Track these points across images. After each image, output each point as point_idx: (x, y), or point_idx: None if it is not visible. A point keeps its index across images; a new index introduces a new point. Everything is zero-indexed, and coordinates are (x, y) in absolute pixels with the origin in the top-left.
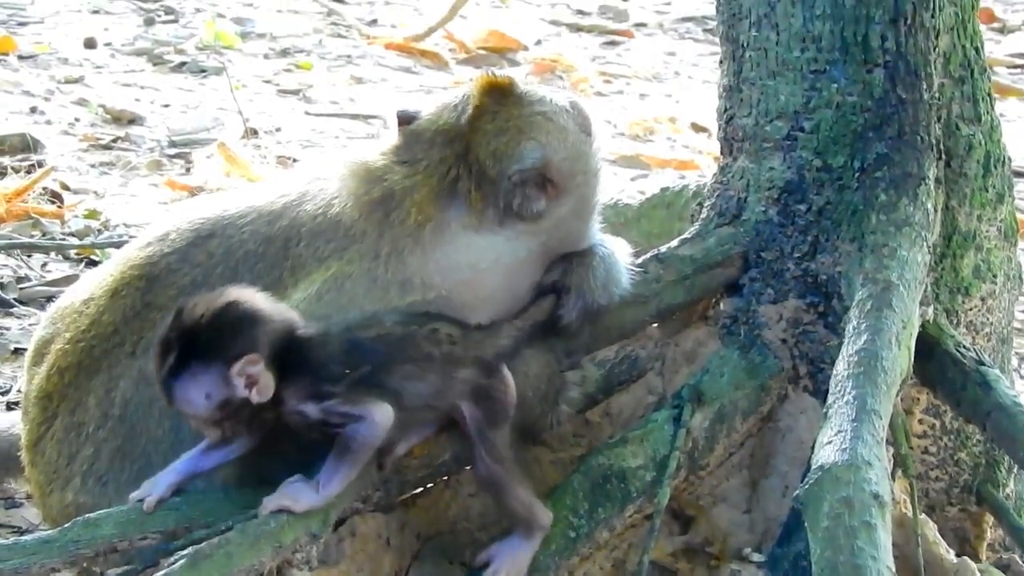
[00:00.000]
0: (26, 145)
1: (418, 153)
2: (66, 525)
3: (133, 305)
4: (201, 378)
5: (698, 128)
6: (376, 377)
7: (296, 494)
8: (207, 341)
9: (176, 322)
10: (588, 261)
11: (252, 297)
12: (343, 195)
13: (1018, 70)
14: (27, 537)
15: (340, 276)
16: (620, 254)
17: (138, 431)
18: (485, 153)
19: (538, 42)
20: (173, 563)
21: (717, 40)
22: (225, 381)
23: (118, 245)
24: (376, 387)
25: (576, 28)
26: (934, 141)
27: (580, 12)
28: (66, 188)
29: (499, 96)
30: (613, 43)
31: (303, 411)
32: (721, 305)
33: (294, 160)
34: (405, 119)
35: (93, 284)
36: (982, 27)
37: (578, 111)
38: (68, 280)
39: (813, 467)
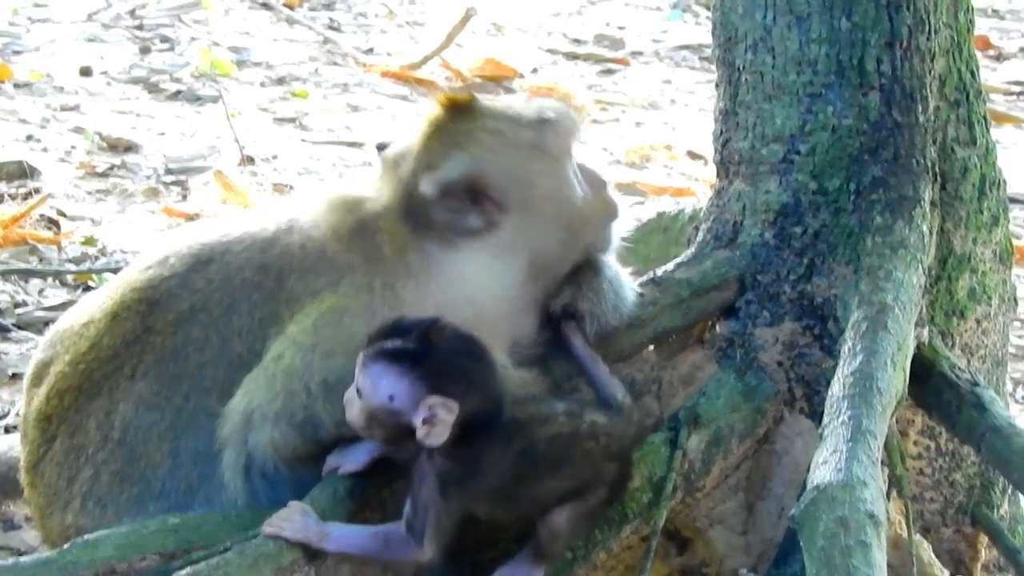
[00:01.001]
0: (23, 172)
1: (385, 179)
2: (65, 547)
3: (133, 328)
4: (399, 382)
5: (694, 156)
6: (529, 485)
7: (300, 526)
8: (434, 359)
9: (428, 325)
10: (597, 284)
11: (496, 363)
12: (324, 227)
13: (1014, 97)
14: (26, 559)
15: (336, 310)
16: (625, 274)
17: (137, 455)
18: (418, 168)
19: (534, 70)
20: None
21: (713, 67)
22: (414, 402)
23: (115, 271)
24: (516, 498)
25: (572, 56)
26: (930, 164)
27: (576, 40)
28: (63, 215)
29: (457, 113)
30: (609, 71)
31: (424, 481)
32: (717, 328)
33: (291, 188)
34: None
35: (93, 306)
36: (979, 54)
37: (548, 127)
38: (65, 306)
39: (809, 487)
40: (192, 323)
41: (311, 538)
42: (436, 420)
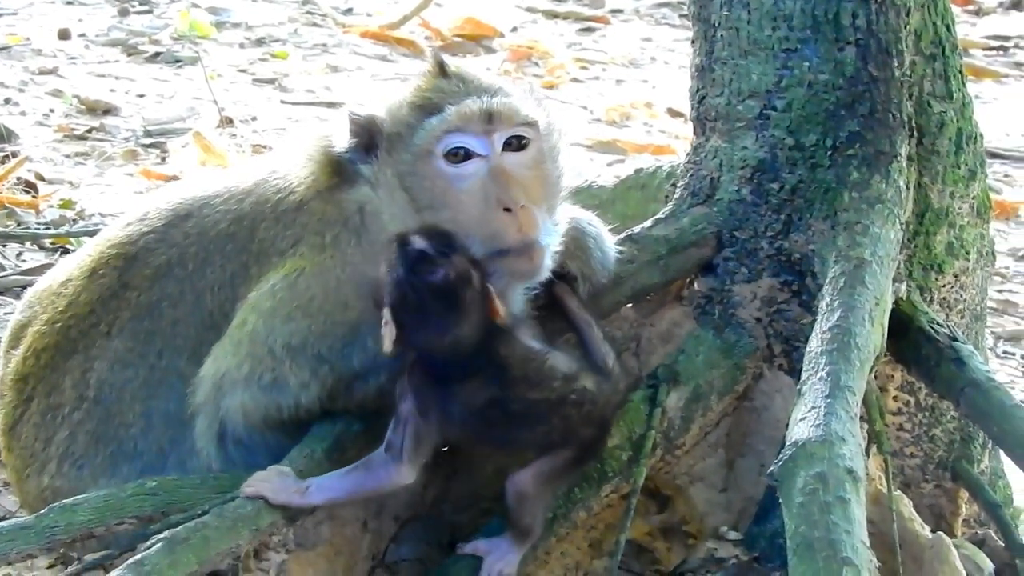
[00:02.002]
0: (0, 136)
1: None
2: (43, 511)
3: (111, 285)
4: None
5: (674, 113)
6: (499, 431)
7: (279, 488)
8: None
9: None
10: (583, 243)
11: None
12: (298, 178)
13: (993, 52)
14: (3, 523)
15: (292, 274)
16: (606, 231)
17: (112, 413)
18: None
19: (514, 29)
20: (149, 547)
21: (691, 22)
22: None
23: (93, 234)
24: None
25: (552, 15)
26: (906, 119)
27: None
28: (41, 178)
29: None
30: (589, 29)
31: (404, 396)
32: (695, 285)
33: (270, 149)
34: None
35: (72, 266)
36: (958, 10)
37: (437, 99)
38: (43, 269)
39: (787, 444)
40: (168, 278)
41: (293, 498)
42: (383, 327)
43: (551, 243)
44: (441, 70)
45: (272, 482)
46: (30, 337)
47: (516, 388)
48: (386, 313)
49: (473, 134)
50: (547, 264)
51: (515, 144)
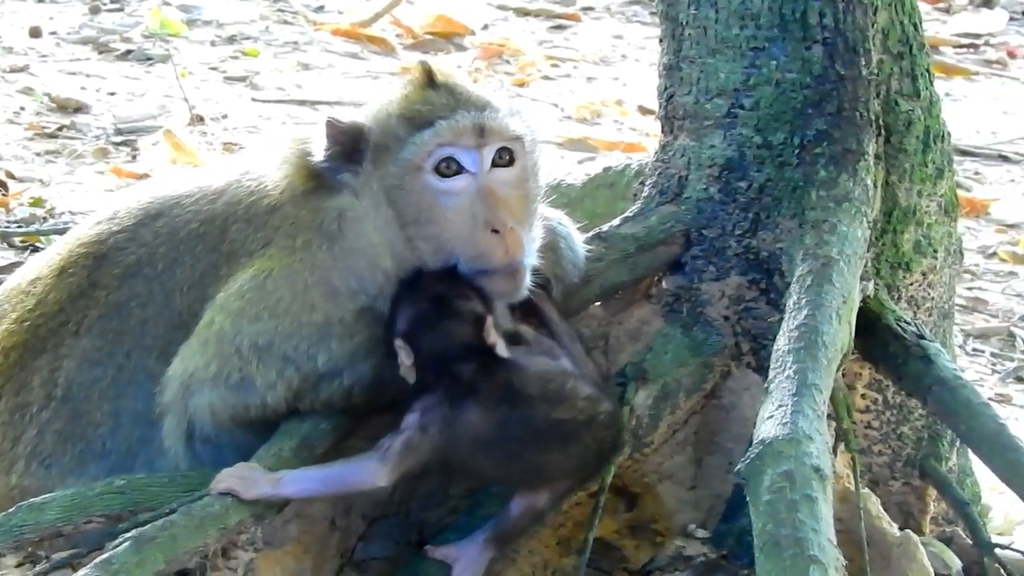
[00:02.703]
0: None
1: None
2: (11, 510)
3: (80, 284)
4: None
5: (645, 111)
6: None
7: (251, 482)
8: (398, 306)
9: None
10: (554, 244)
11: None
12: (272, 180)
13: (963, 50)
14: None
15: (260, 274)
16: (575, 230)
17: (80, 412)
18: None
19: (485, 27)
20: (118, 546)
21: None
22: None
23: (63, 232)
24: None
25: (523, 12)
26: (873, 117)
27: None
28: (11, 176)
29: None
30: (560, 27)
31: (410, 410)
32: (664, 283)
33: (241, 147)
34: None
35: (41, 264)
36: (928, 7)
37: (427, 112)
38: (13, 267)
39: (754, 441)
40: (137, 277)
41: (265, 490)
42: (401, 358)
43: (532, 261)
44: (430, 80)
45: (243, 478)
46: None
47: (536, 408)
48: (399, 341)
49: (464, 149)
50: (528, 283)
51: (504, 160)
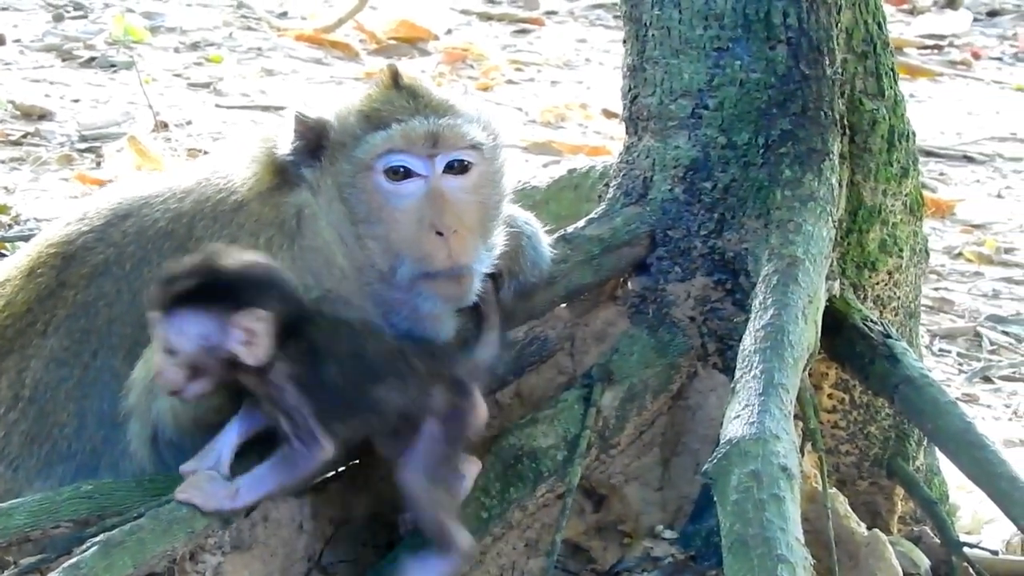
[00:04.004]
0: None
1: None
2: None
3: (48, 284)
4: (202, 318)
5: (609, 114)
6: (365, 391)
7: (210, 494)
8: (224, 285)
9: (198, 262)
10: (516, 242)
11: (275, 265)
12: (240, 180)
13: (928, 51)
14: None
15: None
16: (542, 232)
17: (46, 412)
18: None
19: (448, 31)
20: (85, 551)
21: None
22: (224, 329)
23: (28, 239)
24: (357, 404)
25: (486, 17)
26: (838, 116)
27: (490, 1)
28: None
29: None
30: (524, 31)
31: (283, 391)
32: (629, 284)
33: (205, 153)
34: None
35: (10, 266)
36: (892, 8)
37: (386, 113)
38: None
39: (721, 442)
40: (105, 276)
41: (224, 503)
42: (253, 335)
43: (482, 268)
44: (395, 82)
45: (203, 489)
46: None
47: (363, 336)
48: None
49: (415, 155)
50: (475, 288)
51: (457, 167)
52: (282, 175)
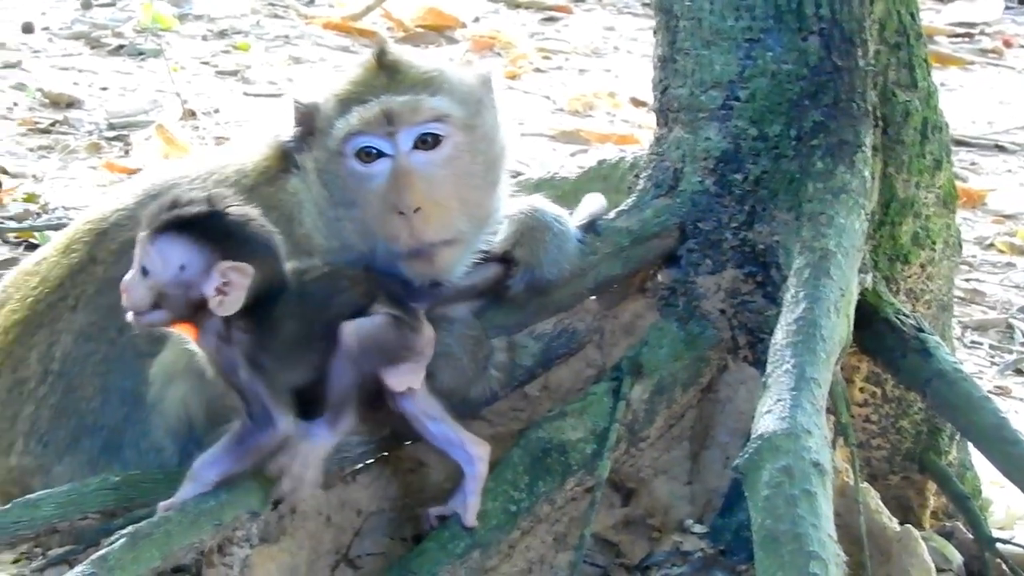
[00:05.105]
0: None
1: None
2: (6, 507)
3: (80, 259)
4: (190, 250)
5: (638, 103)
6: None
7: (180, 492)
8: (221, 229)
9: (208, 198)
10: (540, 235)
11: (276, 234)
12: (254, 166)
13: (959, 39)
14: None
15: None
16: (573, 229)
17: (73, 387)
18: None
19: (476, 19)
20: (113, 542)
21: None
22: (206, 269)
23: (57, 228)
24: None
25: (514, 4)
26: (870, 108)
27: None
28: (4, 172)
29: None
30: (552, 19)
31: (236, 366)
32: (659, 277)
33: (232, 141)
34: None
35: (50, 246)
36: None
37: (355, 95)
38: (7, 263)
39: (753, 436)
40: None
41: (187, 491)
42: (230, 286)
43: (470, 240)
44: (378, 60)
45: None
46: (1, 317)
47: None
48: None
49: (375, 135)
50: (454, 264)
51: (429, 141)
52: (287, 160)
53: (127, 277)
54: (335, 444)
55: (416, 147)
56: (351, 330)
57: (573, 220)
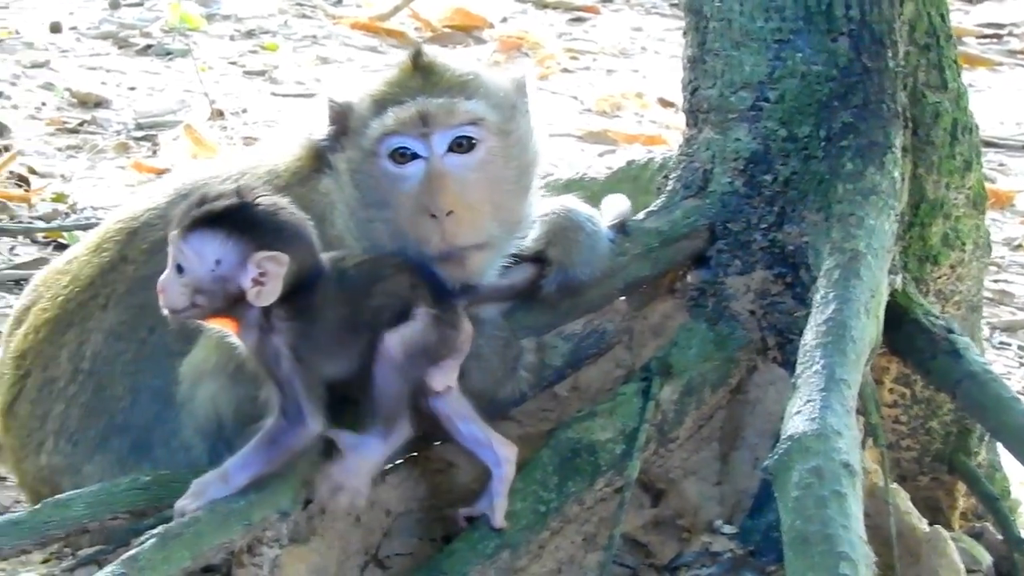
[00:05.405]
0: None
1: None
2: (36, 507)
3: (111, 258)
4: (223, 244)
5: (665, 103)
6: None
7: (204, 490)
8: (252, 220)
9: (237, 191)
10: (574, 236)
11: (306, 220)
12: (285, 167)
13: (987, 40)
14: None
15: None
16: (604, 230)
17: (103, 385)
18: None
19: (504, 19)
20: (143, 542)
21: (683, 14)
22: (241, 262)
23: (86, 228)
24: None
25: (542, 5)
26: (900, 109)
27: None
28: (33, 172)
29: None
30: (579, 19)
31: (280, 357)
32: (688, 277)
33: (260, 141)
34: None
35: (81, 245)
36: None
37: (390, 96)
38: (36, 263)
39: (782, 437)
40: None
41: (218, 491)
42: (267, 276)
43: (501, 244)
44: (414, 62)
45: (194, 493)
46: (32, 316)
47: (341, 262)
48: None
49: (411, 136)
50: (485, 267)
51: (464, 145)
52: (319, 161)
53: (163, 277)
54: (388, 456)
55: (450, 150)
56: (395, 341)
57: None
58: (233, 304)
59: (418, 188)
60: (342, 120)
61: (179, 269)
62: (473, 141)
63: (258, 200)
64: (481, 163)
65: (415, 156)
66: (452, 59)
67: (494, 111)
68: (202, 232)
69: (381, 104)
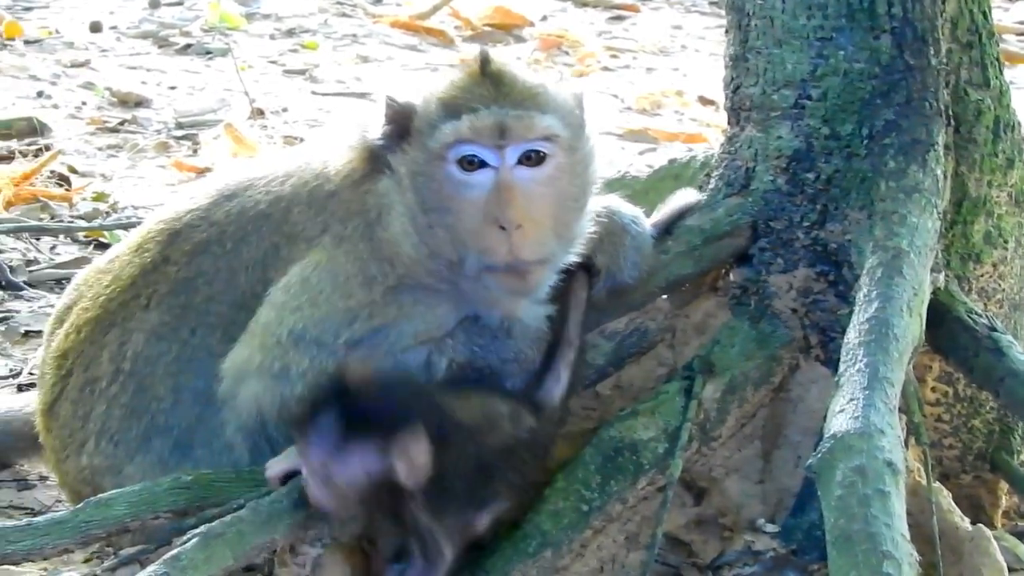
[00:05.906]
0: (33, 129)
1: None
2: (78, 506)
3: (153, 259)
4: (366, 451)
5: (706, 101)
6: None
7: (276, 463)
8: (371, 407)
9: (339, 383)
10: (619, 239)
11: (406, 371)
12: (335, 169)
13: None
14: (39, 518)
15: (307, 267)
16: (648, 231)
17: (145, 386)
18: None
19: (544, 18)
20: (185, 542)
21: (723, 12)
22: (386, 459)
23: (126, 227)
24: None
25: (582, 3)
26: (943, 107)
27: None
28: (74, 171)
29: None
30: (619, 18)
31: (420, 514)
32: (731, 276)
33: (301, 140)
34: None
35: (123, 245)
36: None
37: (461, 101)
38: (77, 263)
39: (825, 436)
40: (206, 255)
41: (292, 462)
42: (411, 458)
43: (558, 261)
44: (482, 68)
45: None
46: (74, 315)
47: (482, 434)
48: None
49: (484, 145)
50: (544, 283)
51: (533, 158)
52: (373, 162)
53: (312, 489)
54: None
55: (520, 163)
56: None
57: (661, 215)
58: (396, 491)
59: (485, 198)
60: (403, 121)
61: (325, 481)
62: (543, 156)
63: (362, 384)
64: (549, 178)
65: (483, 164)
66: (519, 68)
67: (566, 128)
68: (337, 454)
69: (453, 109)
